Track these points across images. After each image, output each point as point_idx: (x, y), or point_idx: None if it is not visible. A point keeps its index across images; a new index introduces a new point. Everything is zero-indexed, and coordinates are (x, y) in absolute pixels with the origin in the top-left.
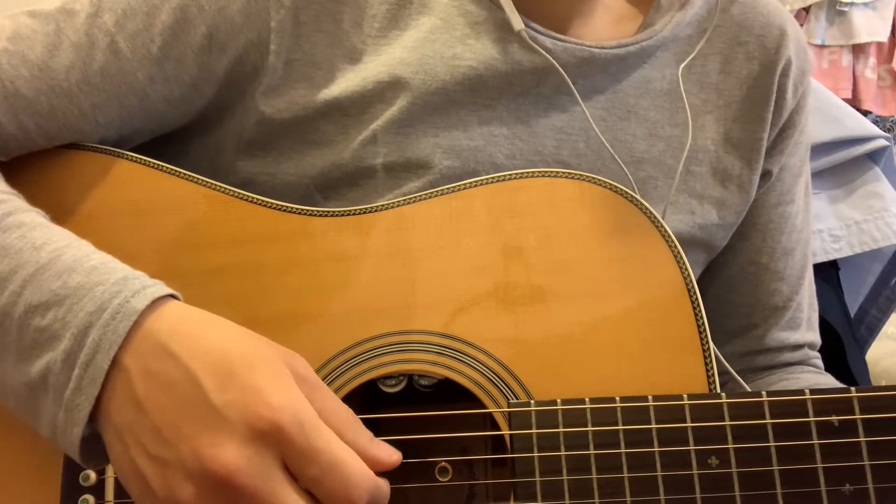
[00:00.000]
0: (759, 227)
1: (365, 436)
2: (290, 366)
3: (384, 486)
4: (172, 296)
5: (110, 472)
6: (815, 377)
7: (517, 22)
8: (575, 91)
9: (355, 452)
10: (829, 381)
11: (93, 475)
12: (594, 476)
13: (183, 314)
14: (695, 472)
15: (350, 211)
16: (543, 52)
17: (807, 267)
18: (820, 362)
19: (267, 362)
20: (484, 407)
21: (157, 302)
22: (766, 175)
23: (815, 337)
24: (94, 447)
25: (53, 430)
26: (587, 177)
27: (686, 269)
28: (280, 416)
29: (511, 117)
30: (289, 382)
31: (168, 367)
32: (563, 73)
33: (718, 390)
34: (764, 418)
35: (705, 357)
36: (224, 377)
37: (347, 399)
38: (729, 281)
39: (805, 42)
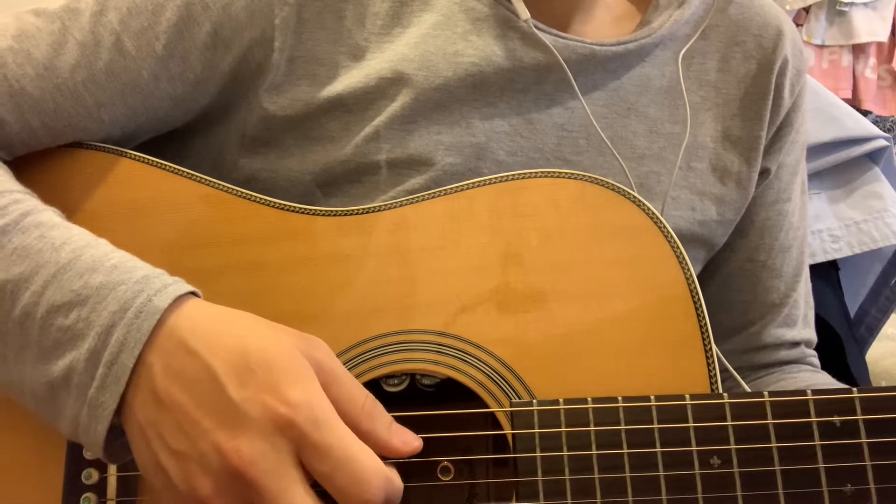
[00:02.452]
0: (757, 225)
1: (383, 423)
2: (308, 355)
3: (397, 480)
4: (193, 293)
5: (112, 471)
6: (813, 377)
7: (523, 11)
8: (575, 85)
9: (373, 442)
10: (827, 380)
11: (95, 474)
12: (596, 476)
13: (204, 311)
14: (697, 472)
15: (352, 211)
16: (546, 42)
17: (803, 264)
18: (816, 360)
19: (285, 357)
20: (486, 406)
21: (178, 300)
22: (764, 173)
23: (811, 334)
24: (117, 444)
25: (76, 428)
26: (588, 177)
27: (688, 268)
28: (296, 413)
29: (513, 114)
30: (306, 377)
31: (189, 364)
32: (565, 65)
33: (720, 389)
34: (766, 418)
35: (707, 356)
36: (243, 374)
37: None
38: (727, 278)
39: (801, 42)
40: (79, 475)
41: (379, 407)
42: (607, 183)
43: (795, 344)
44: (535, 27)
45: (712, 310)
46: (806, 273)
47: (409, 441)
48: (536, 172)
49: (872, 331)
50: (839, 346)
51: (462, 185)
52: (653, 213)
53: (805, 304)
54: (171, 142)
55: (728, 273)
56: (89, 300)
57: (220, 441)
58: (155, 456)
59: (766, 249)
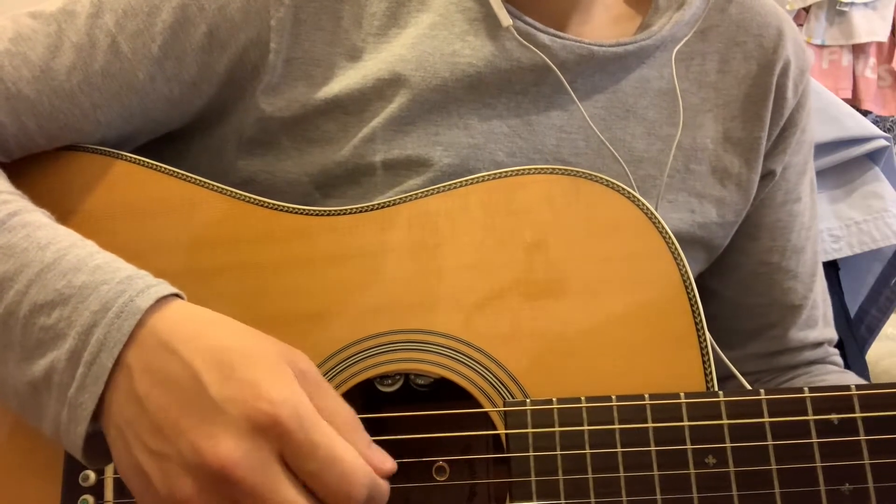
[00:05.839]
0: (768, 227)
1: (363, 439)
2: (291, 363)
3: (383, 483)
4: (177, 295)
5: (109, 472)
6: (842, 377)
7: (505, 18)
8: (568, 87)
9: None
10: (855, 379)
11: (92, 475)
12: (590, 476)
13: (186, 313)
14: (692, 471)
15: (346, 210)
16: (534, 49)
17: (818, 264)
18: (839, 359)
19: (267, 358)
20: (480, 406)
21: (160, 301)
22: (769, 175)
23: (832, 333)
24: (97, 446)
25: (56, 429)
26: (584, 173)
27: (683, 265)
28: (279, 411)
29: (511, 115)
30: (288, 378)
31: (169, 363)
32: (555, 68)
33: (716, 387)
34: (762, 417)
35: (702, 354)
36: (224, 372)
37: (344, 398)
38: (741, 283)
39: (802, 41)
40: (76, 477)
41: (360, 424)
42: (602, 179)
43: (818, 344)
44: (533, 27)
45: (730, 315)
46: (821, 272)
47: (384, 461)
48: (531, 169)
49: (872, 331)
50: (839, 346)
51: (457, 183)
52: (648, 209)
53: (823, 302)
54: (170, 144)
55: (742, 277)
56: (71, 300)
57: (198, 440)
58: (134, 458)
59: (778, 251)
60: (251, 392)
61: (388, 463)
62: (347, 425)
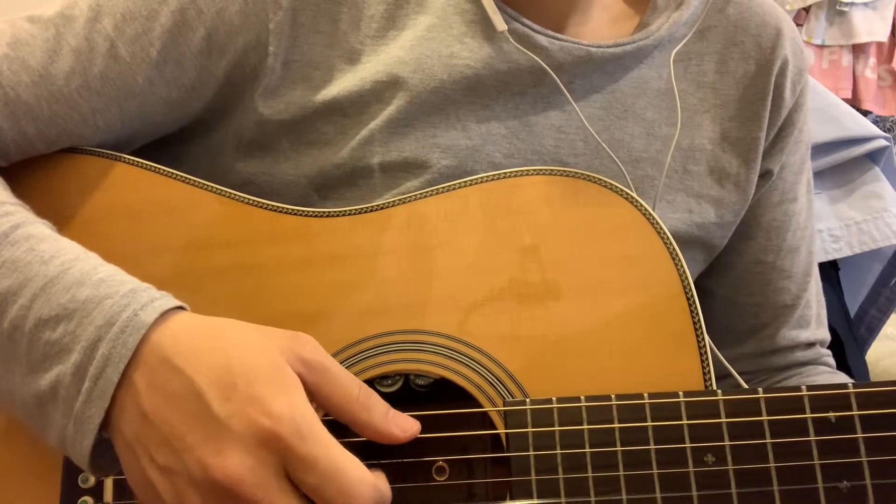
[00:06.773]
0: (763, 226)
1: (379, 412)
2: (295, 356)
3: (385, 488)
4: (180, 307)
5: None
6: (832, 378)
7: (500, 23)
8: (564, 89)
9: (372, 432)
10: (845, 381)
11: (91, 477)
12: (590, 474)
13: (188, 326)
14: (691, 469)
15: (346, 211)
16: (528, 53)
17: (812, 265)
18: (832, 360)
19: (269, 368)
20: (480, 406)
21: (164, 315)
22: (766, 174)
23: (825, 334)
24: (103, 455)
25: (62, 441)
26: (582, 174)
27: (682, 265)
28: (279, 425)
29: (509, 116)
30: (290, 387)
31: (173, 380)
32: (551, 72)
33: (714, 386)
34: (760, 415)
35: (701, 353)
36: (226, 389)
37: None
38: (736, 282)
39: (801, 41)
40: (76, 478)
41: (374, 397)
42: (600, 180)
43: (810, 345)
44: (531, 29)
45: (723, 314)
46: (815, 273)
47: (407, 427)
48: (530, 170)
49: (872, 331)
50: (839, 346)
51: (456, 184)
52: (646, 210)
53: (817, 303)
54: (169, 146)
55: (737, 276)
56: (76, 314)
57: (205, 456)
58: (143, 471)
59: (773, 251)
60: (253, 408)
61: (413, 426)
62: (362, 400)
